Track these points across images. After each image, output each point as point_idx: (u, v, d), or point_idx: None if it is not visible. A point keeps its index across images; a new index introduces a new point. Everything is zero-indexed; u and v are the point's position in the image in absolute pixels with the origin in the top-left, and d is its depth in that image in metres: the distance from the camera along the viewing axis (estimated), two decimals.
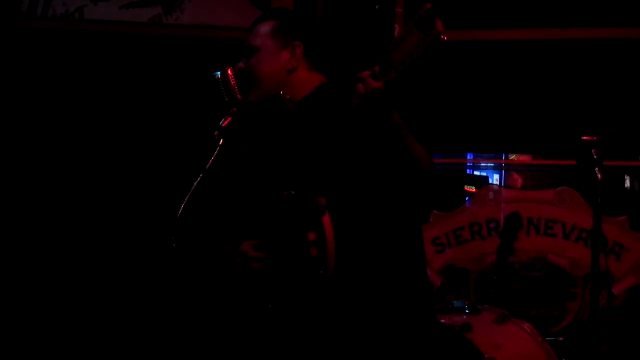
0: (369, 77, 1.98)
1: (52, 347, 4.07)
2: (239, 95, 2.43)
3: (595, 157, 3.34)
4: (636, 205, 4.60)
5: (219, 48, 4.20)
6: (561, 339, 4.02)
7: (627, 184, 4.89)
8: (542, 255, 4.40)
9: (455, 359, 2.75)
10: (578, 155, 3.50)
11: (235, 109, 2.44)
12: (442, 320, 3.44)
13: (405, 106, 2.13)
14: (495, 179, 5.18)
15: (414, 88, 3.76)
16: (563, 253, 4.37)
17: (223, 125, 2.42)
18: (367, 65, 2.01)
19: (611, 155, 3.48)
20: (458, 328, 3.48)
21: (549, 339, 3.74)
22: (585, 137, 3.38)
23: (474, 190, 4.90)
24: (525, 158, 5.12)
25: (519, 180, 5.03)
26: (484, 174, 5.26)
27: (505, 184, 4.96)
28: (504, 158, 5.12)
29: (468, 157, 5.07)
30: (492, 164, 5.22)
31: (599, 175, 3.32)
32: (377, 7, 4.20)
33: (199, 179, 2.38)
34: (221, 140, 2.42)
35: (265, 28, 2.48)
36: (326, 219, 2.12)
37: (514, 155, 5.11)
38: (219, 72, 2.44)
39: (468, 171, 5.23)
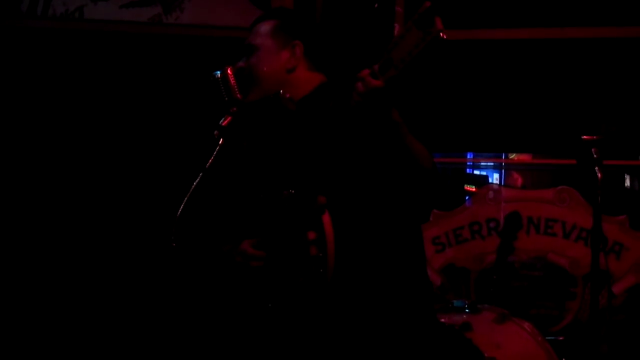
0: (368, 75, 1.98)
1: (52, 346, 4.07)
2: (238, 95, 2.43)
3: (595, 156, 3.35)
4: (636, 204, 4.60)
5: (218, 48, 4.20)
6: (561, 338, 4.02)
7: (627, 183, 4.90)
8: (542, 255, 4.40)
9: (455, 358, 2.75)
10: (578, 154, 3.50)
11: (235, 109, 2.44)
12: (442, 320, 3.44)
13: (405, 105, 2.13)
14: (495, 178, 5.19)
15: (414, 87, 3.76)
16: (563, 252, 4.37)
17: (223, 124, 2.42)
18: (367, 65, 2.01)
19: (611, 155, 3.48)
20: (458, 327, 3.48)
21: (549, 338, 3.74)
22: (585, 137, 3.38)
23: (474, 189, 4.90)
24: (525, 157, 5.12)
25: (519, 180, 5.03)
26: (484, 173, 5.27)
27: (505, 183, 4.96)
28: (504, 157, 5.12)
29: (468, 157, 5.07)
30: (492, 163, 5.23)
31: (599, 175, 3.32)
32: (376, 5, 4.20)
33: (198, 178, 2.38)
34: (221, 140, 2.42)
35: (265, 27, 2.48)
36: (326, 218, 2.12)
37: (514, 155, 5.12)
38: (218, 72, 2.44)
39: (468, 170, 5.23)
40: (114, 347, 4.07)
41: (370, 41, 4.14)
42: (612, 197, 3.89)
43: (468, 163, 5.16)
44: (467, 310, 3.63)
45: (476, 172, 5.29)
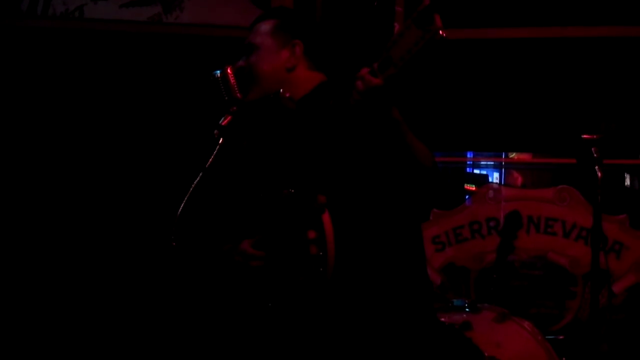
0: (368, 74, 1.99)
1: (52, 346, 4.07)
2: (238, 94, 2.44)
3: (595, 155, 3.35)
4: (636, 203, 4.60)
5: (218, 47, 4.20)
6: (561, 337, 4.02)
7: (627, 182, 4.89)
8: (542, 254, 4.40)
9: (455, 358, 2.75)
10: (578, 153, 3.50)
11: (235, 108, 2.44)
12: (442, 319, 3.44)
13: (405, 104, 2.13)
14: (495, 177, 5.18)
15: (415, 86, 3.76)
16: (563, 251, 4.37)
17: (223, 124, 2.42)
18: (366, 64, 2.01)
19: (611, 154, 3.48)
20: (458, 327, 3.48)
21: (549, 337, 3.74)
22: (585, 136, 3.38)
23: (474, 188, 4.90)
24: (525, 156, 5.12)
25: (519, 179, 5.03)
26: (484, 172, 5.26)
27: (505, 182, 4.96)
28: (504, 156, 5.12)
29: (468, 156, 5.07)
30: (492, 163, 5.22)
31: (599, 174, 3.32)
32: (375, 3, 4.20)
33: (198, 177, 2.38)
34: (221, 139, 2.42)
35: (265, 27, 2.48)
36: (326, 217, 2.12)
37: (514, 154, 5.12)
38: (218, 71, 2.44)
39: (468, 170, 5.23)
40: (114, 346, 4.07)
41: (370, 41, 4.14)
42: (612, 196, 3.89)
43: (468, 162, 5.16)
44: (467, 310, 3.63)
45: (476, 171, 5.29)
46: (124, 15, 4.40)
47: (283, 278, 2.24)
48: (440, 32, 1.80)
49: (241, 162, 2.54)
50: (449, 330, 3.29)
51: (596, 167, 3.33)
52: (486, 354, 3.30)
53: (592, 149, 3.36)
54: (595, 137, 3.38)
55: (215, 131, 2.42)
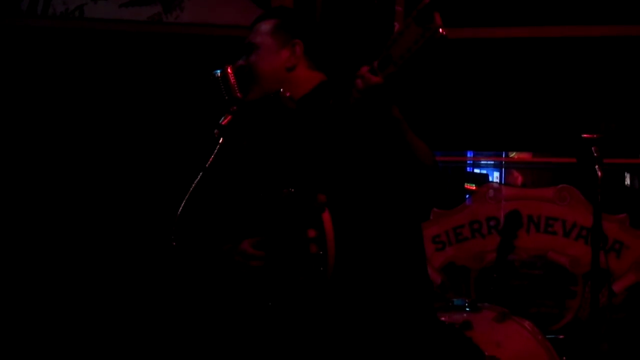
0: (367, 72, 1.99)
1: (52, 346, 4.07)
2: (238, 94, 2.44)
3: (595, 154, 3.35)
4: (636, 203, 4.60)
5: (218, 46, 4.20)
6: (561, 337, 4.02)
7: (627, 181, 4.89)
8: (542, 253, 4.40)
9: (455, 357, 2.75)
10: (578, 153, 3.50)
11: (235, 108, 2.44)
12: (443, 318, 3.44)
13: (405, 104, 2.13)
14: (495, 176, 5.18)
15: (415, 85, 3.76)
16: (563, 251, 4.37)
17: (223, 123, 2.42)
18: (366, 63, 2.01)
19: (611, 153, 3.48)
20: (458, 326, 3.48)
21: (549, 337, 3.74)
22: (585, 135, 3.38)
23: (474, 188, 4.90)
24: (525, 156, 5.12)
25: (519, 178, 5.02)
26: (484, 171, 5.26)
27: (506, 181, 4.96)
28: (504, 156, 5.12)
29: (468, 155, 5.07)
30: (492, 162, 5.22)
31: (599, 173, 3.32)
32: (375, 2, 4.20)
33: (198, 177, 2.38)
34: (221, 139, 2.42)
35: (265, 26, 2.48)
36: (326, 216, 2.12)
37: (514, 153, 5.11)
38: (218, 71, 2.44)
39: (468, 169, 5.23)
40: (114, 346, 4.07)
41: (370, 40, 4.14)
42: (612, 196, 3.89)
43: (468, 162, 5.15)
44: (467, 309, 3.63)
45: (476, 170, 5.28)
46: (124, 15, 4.40)
47: (283, 277, 2.24)
48: (440, 30, 1.80)
49: (241, 161, 2.54)
50: (449, 329, 3.29)
51: (596, 167, 3.33)
52: (486, 354, 3.30)
53: (592, 148, 3.36)
54: (595, 136, 3.38)
55: (216, 131, 2.42)
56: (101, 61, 4.31)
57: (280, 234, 2.26)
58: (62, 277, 4.15)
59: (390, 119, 2.06)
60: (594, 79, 4.20)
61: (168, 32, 4.40)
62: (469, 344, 3.11)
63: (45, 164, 4.23)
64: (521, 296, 4.36)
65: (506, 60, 4.31)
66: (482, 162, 5.24)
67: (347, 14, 4.31)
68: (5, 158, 4.22)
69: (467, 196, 4.77)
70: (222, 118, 2.43)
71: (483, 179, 5.06)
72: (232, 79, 2.43)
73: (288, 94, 2.41)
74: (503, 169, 5.16)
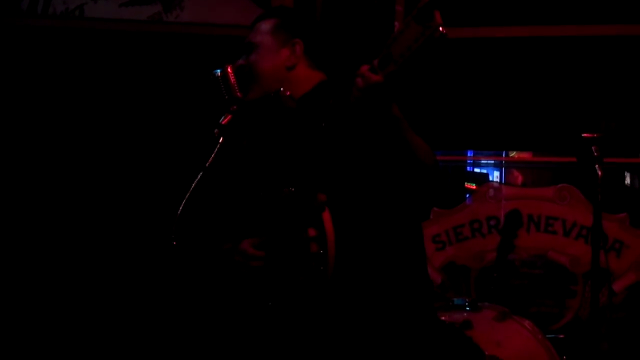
0: (367, 70, 1.99)
1: (52, 346, 4.07)
2: (238, 93, 2.44)
3: (595, 154, 3.35)
4: (636, 202, 4.60)
5: (218, 46, 4.20)
6: (561, 336, 4.02)
7: (628, 181, 4.89)
8: (542, 253, 4.40)
9: (455, 357, 2.74)
10: (578, 152, 3.50)
11: (235, 107, 2.44)
12: (443, 318, 3.44)
13: (406, 103, 2.13)
14: (495, 176, 5.17)
15: (415, 85, 3.76)
16: (563, 250, 4.37)
17: (223, 123, 2.43)
18: (367, 62, 2.01)
19: (611, 152, 3.48)
20: (458, 325, 3.48)
21: (550, 336, 3.74)
22: (585, 134, 3.38)
23: (474, 187, 4.90)
24: (525, 155, 5.11)
25: (519, 178, 5.02)
26: (484, 171, 5.25)
27: (506, 181, 4.96)
28: (504, 155, 5.11)
29: (468, 155, 5.07)
30: (492, 161, 5.22)
31: (599, 173, 3.32)
32: (375, 1, 4.20)
33: (199, 177, 2.38)
34: (221, 138, 2.42)
35: (265, 26, 2.48)
36: (326, 215, 2.12)
37: (515, 153, 5.11)
38: (219, 70, 2.44)
39: (468, 168, 5.22)
40: (114, 345, 4.07)
41: (370, 40, 4.14)
42: (612, 195, 3.89)
43: (468, 161, 5.15)
44: (467, 308, 3.62)
45: (476, 170, 5.28)
46: (124, 14, 4.40)
47: (283, 277, 2.24)
48: (441, 28, 1.80)
49: (241, 161, 2.54)
50: (450, 329, 3.29)
51: (596, 166, 3.34)
52: (487, 353, 3.30)
53: (592, 148, 3.36)
54: (595, 135, 3.38)
55: (216, 130, 2.43)
56: (101, 61, 4.31)
57: (280, 233, 2.26)
58: (62, 276, 4.15)
59: (390, 117, 2.06)
60: (594, 78, 4.20)
61: (168, 31, 4.40)
62: (469, 343, 3.11)
63: (46, 163, 4.23)
64: (521, 295, 4.36)
65: (506, 59, 4.31)
66: (483, 161, 5.24)
67: (347, 13, 4.31)
68: (6, 158, 4.22)
69: (467, 195, 4.77)
70: (222, 117, 2.43)
71: (483, 179, 5.06)
72: (232, 79, 2.43)
73: (288, 93, 2.41)
74: (503, 169, 5.16)
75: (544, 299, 4.38)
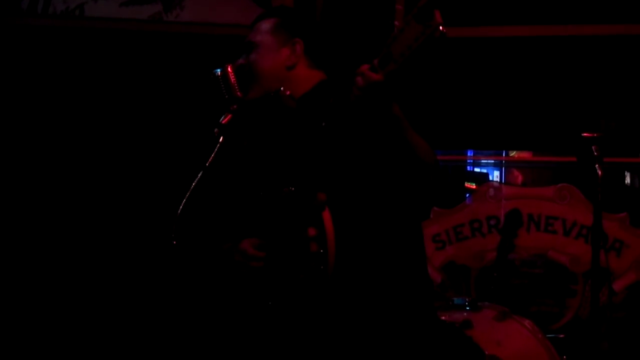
0: (368, 70, 1.99)
1: (53, 346, 4.07)
2: (239, 93, 2.44)
3: (595, 153, 3.35)
4: (636, 201, 4.60)
5: (219, 45, 4.20)
6: (562, 335, 4.02)
7: (628, 180, 4.89)
8: (542, 252, 4.40)
9: (455, 356, 2.75)
10: (578, 151, 3.51)
11: (235, 107, 2.44)
12: (443, 317, 3.44)
13: (405, 102, 2.13)
14: (495, 175, 5.17)
15: (415, 84, 3.76)
16: (563, 250, 4.37)
17: (223, 122, 2.43)
18: (367, 61, 2.01)
19: (611, 152, 3.48)
20: (458, 325, 3.48)
21: (550, 335, 3.74)
22: (585, 134, 3.39)
23: (474, 187, 4.90)
24: (525, 155, 5.11)
25: (519, 177, 5.02)
26: (484, 170, 5.25)
27: (506, 180, 4.96)
28: (504, 155, 5.11)
29: (468, 154, 5.07)
30: (492, 161, 5.21)
31: (599, 172, 3.33)
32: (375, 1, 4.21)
33: (199, 176, 2.38)
34: (221, 138, 2.42)
35: (266, 25, 2.48)
36: (326, 215, 2.12)
37: (515, 152, 5.11)
38: (219, 70, 2.44)
39: (468, 168, 5.22)
40: (114, 345, 4.07)
41: (370, 39, 4.14)
42: (612, 195, 3.89)
43: (468, 160, 5.15)
44: (467, 308, 3.62)
45: (476, 169, 5.28)
46: (124, 14, 4.40)
47: (283, 276, 2.24)
48: (441, 27, 1.80)
49: (241, 160, 2.54)
50: (450, 328, 3.29)
51: (596, 165, 3.34)
52: (487, 353, 3.30)
53: (592, 147, 3.36)
54: (595, 135, 3.38)
55: (216, 130, 2.43)
56: (102, 60, 4.31)
57: (280, 232, 2.26)
58: (62, 276, 4.14)
59: (390, 116, 2.06)
60: (594, 77, 4.20)
61: (168, 31, 4.40)
62: (469, 342, 3.11)
63: (46, 163, 4.23)
64: (521, 295, 4.36)
65: (506, 59, 4.31)
66: (483, 161, 5.24)
67: (347, 12, 4.32)
68: (6, 157, 4.22)
69: (467, 195, 4.77)
70: (223, 117, 2.43)
71: (483, 178, 5.06)
72: (233, 78, 2.43)
73: (288, 93, 2.41)
74: (503, 168, 5.16)
75: (544, 299, 4.39)
